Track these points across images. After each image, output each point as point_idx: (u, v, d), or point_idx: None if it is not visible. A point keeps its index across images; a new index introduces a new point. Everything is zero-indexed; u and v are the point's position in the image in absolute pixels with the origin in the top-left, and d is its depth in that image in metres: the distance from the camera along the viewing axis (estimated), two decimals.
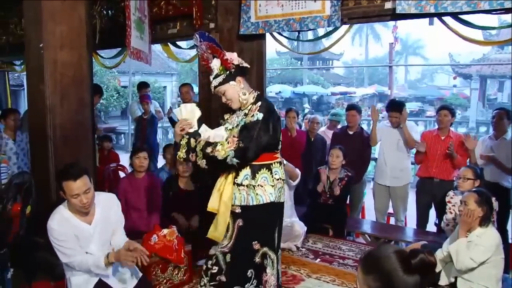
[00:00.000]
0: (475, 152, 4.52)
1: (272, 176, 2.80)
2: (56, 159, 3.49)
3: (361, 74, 38.09)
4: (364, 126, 6.45)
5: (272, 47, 27.13)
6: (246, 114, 2.81)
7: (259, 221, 2.79)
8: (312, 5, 4.37)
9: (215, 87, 2.84)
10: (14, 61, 9.37)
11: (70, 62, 3.56)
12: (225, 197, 2.78)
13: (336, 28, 4.43)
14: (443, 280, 3.23)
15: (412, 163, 5.96)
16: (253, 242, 2.79)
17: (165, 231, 3.50)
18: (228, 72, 2.82)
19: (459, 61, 23.24)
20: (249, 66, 2.92)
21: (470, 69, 22.01)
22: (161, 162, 6.58)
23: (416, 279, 1.45)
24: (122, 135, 15.31)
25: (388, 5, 4.05)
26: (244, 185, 2.76)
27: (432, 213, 4.89)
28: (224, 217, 2.78)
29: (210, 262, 2.87)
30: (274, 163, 2.84)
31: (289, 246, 4.33)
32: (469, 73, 21.97)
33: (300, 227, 4.43)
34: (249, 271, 2.79)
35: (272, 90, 25.05)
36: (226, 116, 3.04)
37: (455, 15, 3.87)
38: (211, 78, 2.87)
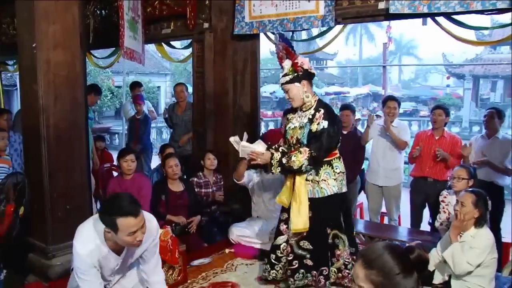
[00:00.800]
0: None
1: (334, 171, 3.17)
2: (50, 159, 3.47)
3: (355, 74, 38.18)
4: (359, 127, 6.44)
5: (266, 47, 27.13)
6: (311, 120, 3.12)
7: (326, 210, 3.18)
8: (306, 5, 4.38)
9: (282, 84, 3.17)
10: (6, 60, 9.32)
11: (63, 62, 3.54)
12: (302, 191, 3.12)
13: (330, 28, 4.44)
14: (437, 279, 3.24)
15: (405, 163, 5.98)
16: (326, 228, 3.19)
17: (159, 231, 3.48)
18: (296, 74, 3.13)
19: (452, 61, 23.37)
20: (315, 73, 3.27)
21: (463, 69, 22.14)
22: (154, 162, 6.58)
23: (415, 278, 1.47)
24: (116, 135, 15.27)
25: (381, 5, 4.06)
26: (309, 180, 3.14)
27: (426, 212, 4.91)
28: (305, 209, 3.12)
29: (279, 251, 3.31)
30: (334, 159, 3.20)
31: None
32: (462, 73, 22.10)
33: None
34: (328, 252, 3.20)
35: (266, 90, 25.04)
36: (289, 116, 3.38)
37: (448, 15, 3.89)
38: (281, 75, 3.22)
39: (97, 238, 2.41)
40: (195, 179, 4.69)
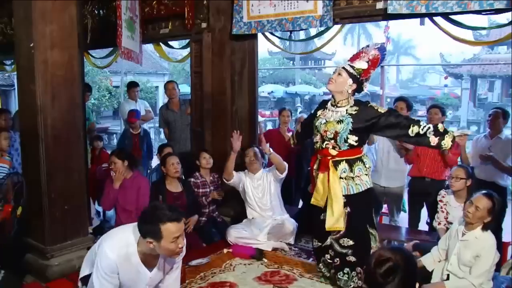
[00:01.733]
0: (472, 152, 4.55)
1: (365, 166, 3.27)
2: (48, 159, 3.47)
3: None
4: None
5: (264, 47, 27.11)
6: (362, 113, 3.19)
7: (363, 205, 3.27)
8: (304, 5, 4.38)
9: (343, 67, 3.25)
10: (4, 60, 9.31)
11: (61, 62, 3.53)
12: (337, 189, 3.19)
13: (328, 28, 4.44)
14: (436, 278, 3.24)
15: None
16: (367, 226, 3.27)
17: None
18: (358, 76, 3.22)
19: (450, 61, 23.35)
20: (364, 90, 3.38)
21: (461, 69, 22.15)
22: (153, 162, 6.57)
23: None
24: (114, 135, 15.25)
25: (379, 5, 4.07)
26: (343, 178, 3.22)
27: (424, 212, 4.91)
28: (340, 208, 3.19)
29: (331, 251, 3.36)
30: (364, 155, 3.30)
31: (282, 246, 4.34)
32: (460, 73, 22.11)
33: (291, 224, 4.44)
34: (370, 251, 3.19)
35: (264, 90, 25.03)
36: (318, 113, 3.40)
37: (445, 16, 3.90)
38: (348, 62, 3.29)
39: (131, 246, 2.40)
40: (192, 179, 4.69)
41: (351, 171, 3.23)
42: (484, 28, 5.00)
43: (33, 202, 3.58)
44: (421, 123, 3.11)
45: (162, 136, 14.80)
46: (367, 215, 3.32)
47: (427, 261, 3.39)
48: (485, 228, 3.05)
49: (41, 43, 3.42)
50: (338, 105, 3.27)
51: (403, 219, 5.37)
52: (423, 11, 3.79)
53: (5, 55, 8.14)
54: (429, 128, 3.08)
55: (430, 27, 4.11)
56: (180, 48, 7.03)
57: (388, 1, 3.92)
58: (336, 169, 3.22)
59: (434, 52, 31.19)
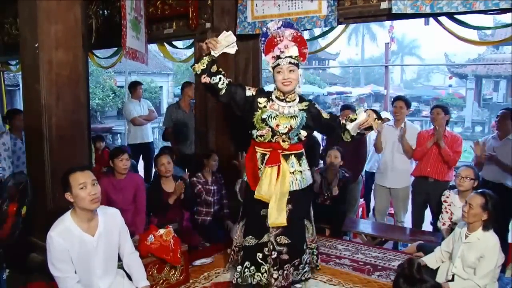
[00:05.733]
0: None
1: (306, 161, 3.22)
2: (52, 159, 3.48)
3: (357, 74, 38.12)
4: None
5: None
6: (308, 111, 3.11)
7: (306, 201, 3.24)
8: (309, 5, 4.38)
9: (290, 63, 3.00)
10: (9, 60, 9.35)
11: (65, 62, 3.54)
12: (284, 185, 3.03)
13: (332, 28, 4.44)
14: (441, 278, 3.23)
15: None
16: (304, 220, 3.23)
17: (162, 231, 3.49)
18: (299, 62, 3.08)
19: (454, 61, 23.28)
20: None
21: (465, 69, 22.06)
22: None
23: None
24: (118, 135, 15.28)
25: (384, 5, 4.07)
26: (292, 173, 3.09)
27: (428, 212, 4.90)
28: (283, 204, 3.04)
29: (266, 249, 3.14)
30: (303, 150, 3.23)
31: None
32: (465, 73, 22.02)
33: None
34: (304, 244, 3.21)
35: (268, 89, 24.99)
36: (262, 102, 3.12)
37: (450, 15, 3.89)
38: (282, 55, 3.02)
39: (68, 219, 2.63)
40: (194, 179, 4.69)
41: (300, 165, 3.13)
42: (489, 28, 4.97)
43: (37, 202, 3.59)
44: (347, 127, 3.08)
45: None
46: (306, 210, 3.28)
47: (430, 260, 3.40)
48: (486, 228, 3.04)
49: (46, 43, 3.43)
50: (287, 99, 3.10)
51: (407, 219, 5.36)
52: (428, 11, 3.78)
53: (10, 55, 8.17)
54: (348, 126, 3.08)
55: (435, 27, 4.11)
56: (184, 48, 7.05)
57: (393, 1, 3.92)
58: (287, 163, 3.08)
59: (439, 52, 31.20)
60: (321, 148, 5.66)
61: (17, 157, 5.09)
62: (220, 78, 3.05)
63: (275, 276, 3.07)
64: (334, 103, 25.79)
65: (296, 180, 3.09)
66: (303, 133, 3.11)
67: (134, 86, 6.99)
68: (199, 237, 4.43)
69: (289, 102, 3.10)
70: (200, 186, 4.67)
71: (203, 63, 3.04)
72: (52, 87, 3.46)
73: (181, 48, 7.09)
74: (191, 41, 5.71)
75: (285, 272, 3.10)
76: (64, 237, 2.54)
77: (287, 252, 3.10)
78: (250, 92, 3.13)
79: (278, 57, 3.03)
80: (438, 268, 3.35)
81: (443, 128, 4.68)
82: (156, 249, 3.38)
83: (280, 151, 3.07)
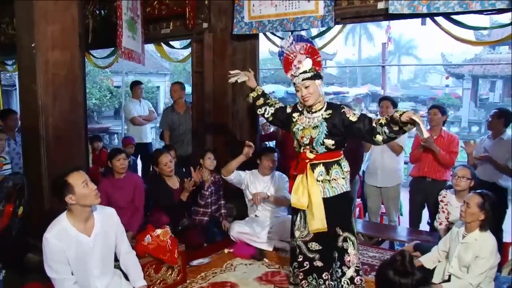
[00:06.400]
0: (476, 153, 4.59)
1: (342, 170, 3.20)
2: (49, 159, 3.47)
3: (354, 74, 38.13)
4: None
5: (265, 47, 27.08)
6: (327, 120, 3.13)
7: (337, 209, 3.17)
8: (306, 5, 4.39)
9: (303, 79, 3.12)
10: (5, 60, 9.32)
11: (62, 62, 3.53)
12: (315, 192, 3.12)
13: (329, 28, 4.44)
14: (437, 278, 3.24)
15: (405, 163, 5.98)
16: (336, 229, 3.17)
17: (159, 231, 3.50)
18: (316, 72, 3.15)
19: (451, 61, 23.34)
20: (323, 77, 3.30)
21: (462, 69, 22.11)
22: None
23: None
24: (115, 135, 15.25)
25: (381, 5, 4.08)
26: (320, 181, 3.15)
27: (425, 212, 4.91)
28: (320, 209, 3.12)
29: (295, 253, 3.29)
30: (342, 158, 3.24)
31: (283, 246, 4.33)
32: (461, 73, 22.06)
33: None
34: (334, 252, 3.18)
35: (265, 89, 24.99)
36: (295, 116, 3.33)
37: (447, 15, 3.90)
38: (296, 73, 3.17)
39: (64, 220, 2.63)
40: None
41: (328, 174, 3.16)
42: (485, 28, 4.98)
43: (34, 202, 3.58)
44: (380, 129, 2.94)
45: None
46: (340, 219, 3.21)
47: (427, 260, 3.41)
48: (483, 228, 3.05)
49: (43, 43, 3.42)
50: (313, 110, 3.20)
51: (404, 219, 5.38)
52: (425, 11, 3.79)
53: (7, 55, 8.15)
54: (384, 127, 2.91)
55: (432, 27, 4.12)
56: (181, 48, 7.03)
57: (390, 1, 3.93)
58: (313, 172, 3.17)
59: (436, 52, 31.18)
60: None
61: (10, 158, 5.07)
62: (265, 109, 3.50)
63: (309, 281, 3.20)
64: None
65: (324, 188, 3.15)
66: (329, 142, 3.12)
67: (133, 86, 6.99)
68: (200, 237, 4.44)
69: (314, 112, 3.20)
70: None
71: (249, 100, 3.59)
72: (49, 87, 3.45)
73: (178, 48, 7.08)
74: (188, 41, 5.70)
75: (327, 282, 3.16)
76: (60, 238, 2.55)
77: (320, 258, 3.17)
78: (289, 109, 3.40)
79: (294, 76, 3.17)
80: (434, 268, 3.35)
81: (439, 127, 4.71)
82: (153, 249, 3.39)
83: (307, 161, 3.18)
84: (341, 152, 3.24)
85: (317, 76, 3.15)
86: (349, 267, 3.18)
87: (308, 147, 3.19)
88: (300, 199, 3.19)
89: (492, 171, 4.55)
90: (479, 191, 3.17)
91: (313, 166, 3.16)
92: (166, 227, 3.60)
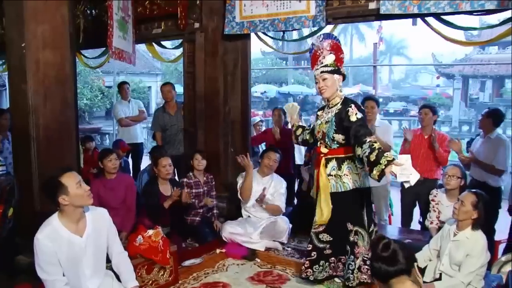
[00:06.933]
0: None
1: (356, 166, 3.27)
2: (40, 159, 3.45)
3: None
4: None
5: (257, 47, 27.12)
6: (339, 115, 3.24)
7: (348, 204, 3.29)
8: (297, 5, 4.40)
9: (322, 72, 3.31)
10: None
11: (52, 62, 3.51)
12: (324, 185, 3.29)
13: (321, 28, 4.45)
14: (428, 277, 3.26)
15: None
16: (347, 223, 3.30)
17: (150, 232, 3.48)
18: (336, 68, 3.32)
19: (441, 61, 23.47)
20: (346, 76, 3.48)
21: (452, 69, 22.27)
22: (144, 162, 6.53)
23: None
24: (107, 136, 15.16)
25: (372, 6, 4.09)
26: (332, 175, 3.29)
27: (416, 211, 4.93)
28: (326, 203, 3.27)
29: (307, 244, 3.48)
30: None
31: (275, 246, 4.34)
32: (452, 73, 22.22)
33: (285, 223, 4.44)
34: (347, 246, 3.31)
35: (257, 90, 25.02)
36: (319, 114, 3.56)
37: (437, 16, 3.93)
38: (318, 67, 3.36)
39: (56, 221, 2.60)
40: (185, 179, 4.68)
41: (340, 169, 3.29)
42: (475, 29, 5.05)
43: (24, 203, 3.55)
44: (364, 146, 2.92)
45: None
46: (351, 215, 3.33)
47: (418, 259, 3.41)
48: (475, 227, 3.08)
49: (33, 43, 3.40)
50: (330, 105, 3.37)
51: (396, 218, 5.40)
52: (415, 11, 3.82)
53: None
54: (365, 154, 2.90)
55: (422, 27, 4.14)
56: (172, 48, 7.02)
57: (381, 1, 3.95)
58: (326, 166, 3.31)
59: (426, 52, 31.38)
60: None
61: (4, 158, 5.04)
62: (304, 134, 3.76)
63: (314, 269, 3.38)
64: (322, 102, 25.85)
65: (337, 183, 3.28)
66: (339, 137, 3.26)
67: (120, 87, 6.96)
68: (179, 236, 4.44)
69: (331, 107, 3.36)
70: (189, 189, 4.65)
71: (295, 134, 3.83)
72: (39, 87, 3.44)
73: (170, 48, 7.07)
74: (180, 41, 5.69)
75: (331, 264, 3.38)
76: (52, 240, 2.53)
77: (330, 248, 3.37)
78: (318, 112, 3.60)
79: (316, 69, 3.36)
80: (425, 267, 3.37)
81: (431, 127, 4.74)
82: (145, 250, 3.38)
83: (322, 155, 3.35)
84: None
85: (336, 71, 3.31)
86: (357, 258, 3.29)
87: (322, 141, 3.36)
88: (314, 191, 3.46)
89: (483, 171, 4.58)
90: (474, 190, 3.19)
91: (327, 161, 3.32)
92: (158, 228, 3.59)
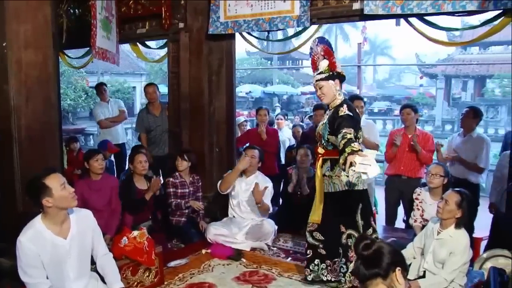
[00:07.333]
0: (447, 150, 4.74)
1: None
2: (22, 160, 3.40)
3: None
4: None
5: (242, 47, 27.15)
6: (333, 116, 3.31)
7: (339, 206, 3.35)
8: (281, 5, 4.41)
9: (317, 80, 3.40)
10: None
11: (35, 62, 3.47)
12: (318, 185, 3.44)
13: (305, 28, 4.47)
14: (412, 274, 3.29)
15: (379, 161, 6.05)
16: (340, 225, 3.36)
17: (135, 233, 3.46)
18: (331, 73, 3.37)
19: (425, 61, 23.77)
20: (345, 76, 3.50)
21: (435, 69, 22.57)
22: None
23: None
24: (91, 136, 15.02)
25: (356, 6, 4.12)
26: (326, 176, 3.38)
27: (401, 210, 4.98)
28: (320, 202, 3.42)
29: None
30: None
31: (261, 246, 4.35)
32: (435, 73, 22.53)
33: (270, 225, 4.45)
34: (339, 248, 3.37)
35: (242, 90, 25.06)
36: (324, 116, 3.59)
37: (420, 17, 3.97)
38: (315, 73, 3.45)
39: (39, 224, 2.57)
40: (171, 179, 4.66)
41: (332, 170, 3.36)
42: (457, 29, 5.10)
43: (7, 205, 3.50)
44: (338, 136, 2.99)
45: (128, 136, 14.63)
46: (344, 217, 3.38)
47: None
48: (458, 225, 3.12)
49: (15, 43, 3.35)
50: (330, 107, 3.44)
51: (380, 217, 5.44)
52: (399, 12, 3.85)
53: None
54: (338, 143, 2.98)
55: (406, 28, 4.18)
56: (157, 48, 6.98)
57: (365, 2, 3.97)
58: (322, 167, 3.42)
59: (410, 53, 31.65)
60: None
61: None
62: None
63: (311, 268, 3.48)
64: (308, 102, 25.94)
65: (329, 184, 3.38)
66: (332, 138, 3.31)
67: (97, 88, 6.89)
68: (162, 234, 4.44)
69: (331, 109, 3.42)
70: (175, 189, 4.64)
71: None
72: (21, 87, 3.39)
73: (154, 48, 7.02)
74: (164, 41, 5.66)
75: (328, 268, 3.44)
76: (35, 242, 2.50)
77: (323, 248, 3.44)
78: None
79: (314, 76, 3.45)
80: (409, 264, 3.40)
81: (414, 126, 4.79)
82: (130, 251, 3.35)
83: (319, 155, 3.46)
84: None
85: (331, 76, 3.36)
86: (351, 261, 3.32)
87: (320, 143, 3.46)
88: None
89: (463, 168, 4.66)
90: (457, 189, 3.23)
91: (324, 162, 3.41)
92: (143, 229, 3.57)
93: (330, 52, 3.44)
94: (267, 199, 4.50)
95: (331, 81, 3.37)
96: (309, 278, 3.49)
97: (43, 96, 3.54)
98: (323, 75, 3.38)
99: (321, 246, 3.45)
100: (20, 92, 3.38)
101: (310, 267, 3.48)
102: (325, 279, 3.44)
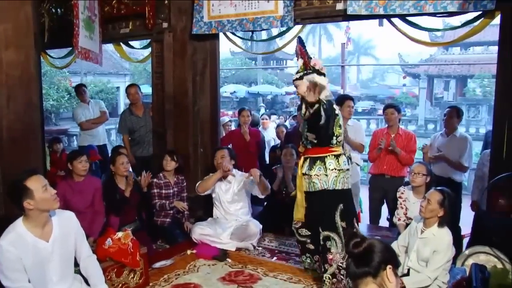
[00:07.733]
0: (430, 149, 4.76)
1: (326, 167, 3.31)
2: (4, 162, 3.35)
3: None
4: None
5: (226, 47, 27.07)
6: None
7: (318, 205, 3.38)
8: (265, 5, 4.42)
9: (293, 80, 3.43)
10: None
11: (16, 62, 3.42)
12: (299, 183, 3.48)
13: (289, 28, 4.49)
14: None
15: (364, 160, 6.10)
16: (318, 226, 3.37)
17: (120, 234, 3.44)
18: (305, 71, 3.33)
19: (408, 61, 24.04)
20: (325, 73, 3.41)
21: (418, 69, 22.83)
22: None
23: None
24: (74, 137, 14.85)
25: (339, 6, 4.15)
26: (306, 174, 3.37)
27: (385, 208, 5.02)
28: (301, 201, 3.48)
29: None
30: (329, 155, 3.34)
31: (246, 246, 4.35)
32: (418, 73, 22.77)
33: (256, 226, 4.45)
34: (320, 246, 3.38)
35: (226, 90, 25.00)
36: None
37: (403, 17, 4.01)
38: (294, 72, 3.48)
39: (20, 227, 2.53)
40: (155, 180, 4.64)
41: (311, 169, 3.35)
42: (438, 30, 5.18)
43: None
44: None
45: (112, 137, 14.54)
46: (321, 218, 3.38)
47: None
48: (441, 224, 3.16)
49: None
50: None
51: (364, 215, 5.49)
52: (381, 12, 3.89)
53: None
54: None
55: (389, 28, 4.22)
56: (141, 48, 6.94)
57: (348, 2, 4.01)
58: (303, 166, 3.42)
59: (393, 53, 31.99)
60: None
61: None
62: None
63: (303, 259, 3.66)
64: (292, 102, 26.04)
65: (309, 183, 3.37)
66: (311, 136, 3.35)
67: (77, 90, 6.82)
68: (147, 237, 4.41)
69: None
70: (159, 190, 4.62)
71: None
72: (2, 88, 3.34)
73: (138, 48, 6.98)
74: (148, 41, 5.63)
75: (317, 263, 3.51)
76: (16, 245, 2.46)
77: (311, 242, 3.51)
78: None
79: None
80: None
81: (397, 125, 4.84)
82: (114, 252, 3.33)
83: (301, 154, 3.51)
84: (329, 149, 3.35)
85: (306, 75, 3.32)
86: (331, 265, 3.30)
87: (301, 141, 3.49)
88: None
89: (447, 167, 4.73)
90: (439, 188, 3.26)
91: (305, 160, 3.41)
92: (127, 230, 3.55)
93: (303, 51, 3.42)
94: (244, 187, 4.56)
95: (304, 80, 3.31)
96: (306, 266, 3.65)
97: (25, 96, 3.49)
98: (298, 75, 3.38)
99: (308, 241, 3.52)
100: (1, 92, 3.34)
101: (303, 258, 3.66)
102: (318, 271, 3.52)
